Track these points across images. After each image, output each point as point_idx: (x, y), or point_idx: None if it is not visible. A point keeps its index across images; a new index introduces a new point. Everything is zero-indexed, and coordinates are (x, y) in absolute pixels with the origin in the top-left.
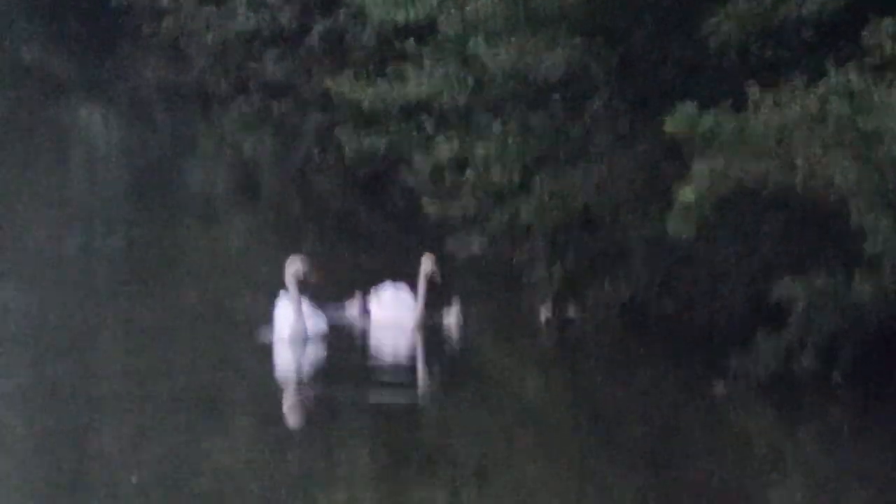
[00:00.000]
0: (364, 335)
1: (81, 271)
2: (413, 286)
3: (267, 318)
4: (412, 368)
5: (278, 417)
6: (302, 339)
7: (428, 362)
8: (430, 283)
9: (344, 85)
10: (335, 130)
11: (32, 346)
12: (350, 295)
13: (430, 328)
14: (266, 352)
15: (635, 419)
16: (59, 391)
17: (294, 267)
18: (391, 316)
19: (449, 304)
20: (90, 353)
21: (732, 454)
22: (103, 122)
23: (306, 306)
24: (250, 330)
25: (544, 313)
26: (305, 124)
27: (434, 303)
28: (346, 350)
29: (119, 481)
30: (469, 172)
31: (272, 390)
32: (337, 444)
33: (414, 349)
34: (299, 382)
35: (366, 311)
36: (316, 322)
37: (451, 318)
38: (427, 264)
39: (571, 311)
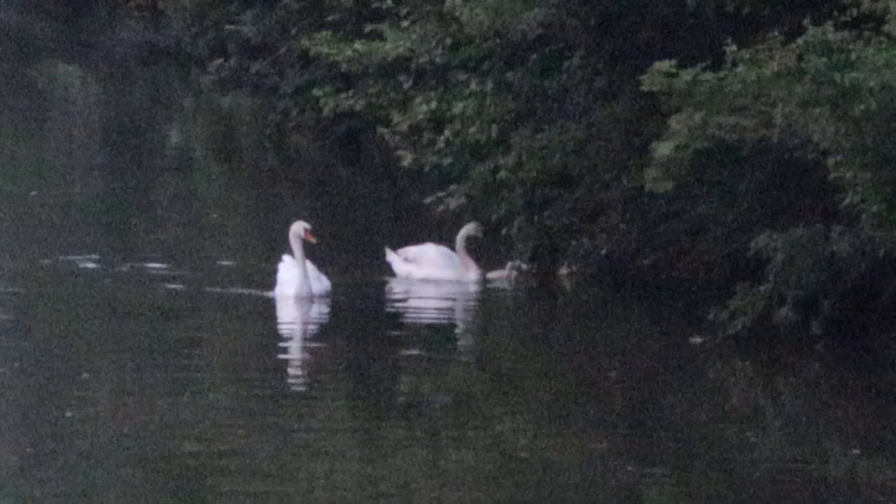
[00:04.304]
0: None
1: (57, 221)
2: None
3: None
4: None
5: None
6: (307, 298)
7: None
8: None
9: (321, 45)
10: (313, 90)
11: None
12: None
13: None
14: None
15: (613, 371)
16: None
17: (298, 230)
18: (441, 273)
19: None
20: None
21: (710, 405)
22: (81, 82)
23: (311, 268)
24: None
25: (521, 267)
26: (283, 83)
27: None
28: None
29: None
30: (447, 130)
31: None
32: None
33: (465, 305)
34: (304, 338)
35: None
36: (320, 282)
37: (503, 273)
38: (471, 228)
39: (550, 265)
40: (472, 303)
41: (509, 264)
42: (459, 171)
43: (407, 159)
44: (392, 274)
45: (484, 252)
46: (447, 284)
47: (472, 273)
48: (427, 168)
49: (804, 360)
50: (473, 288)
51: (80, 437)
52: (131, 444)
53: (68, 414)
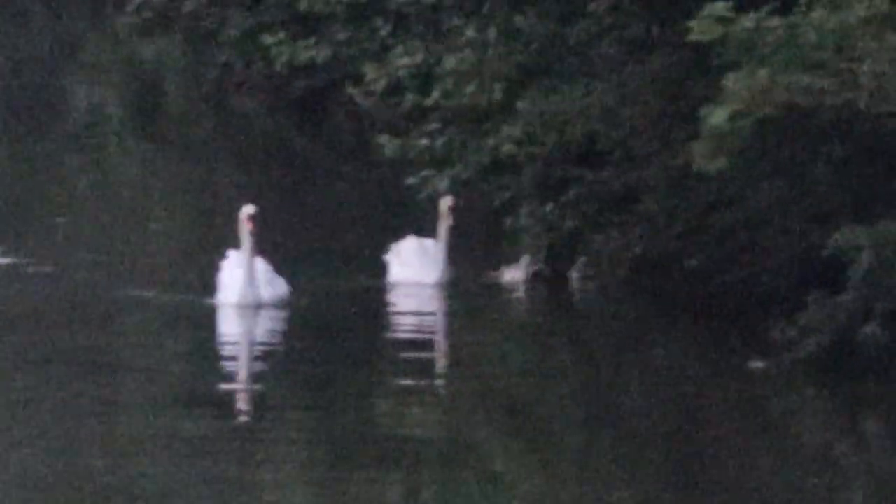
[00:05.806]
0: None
1: None
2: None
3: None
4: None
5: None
6: (254, 305)
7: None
8: (452, 232)
9: None
10: (262, 36)
11: None
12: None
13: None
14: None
15: (652, 404)
16: None
17: (248, 219)
18: (415, 275)
19: (511, 259)
20: None
21: (774, 446)
22: None
23: (263, 268)
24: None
25: (532, 268)
26: (224, 28)
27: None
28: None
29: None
30: (436, 90)
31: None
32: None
33: (457, 317)
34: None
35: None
36: (274, 286)
37: (518, 273)
38: (446, 204)
39: (569, 267)
40: (466, 314)
41: (523, 259)
42: (453, 143)
43: (391, 147)
44: (378, 277)
45: (483, 246)
46: (426, 289)
47: (433, 273)
48: (413, 155)
49: (895, 389)
50: (447, 292)
51: None
52: (21, 492)
53: None
